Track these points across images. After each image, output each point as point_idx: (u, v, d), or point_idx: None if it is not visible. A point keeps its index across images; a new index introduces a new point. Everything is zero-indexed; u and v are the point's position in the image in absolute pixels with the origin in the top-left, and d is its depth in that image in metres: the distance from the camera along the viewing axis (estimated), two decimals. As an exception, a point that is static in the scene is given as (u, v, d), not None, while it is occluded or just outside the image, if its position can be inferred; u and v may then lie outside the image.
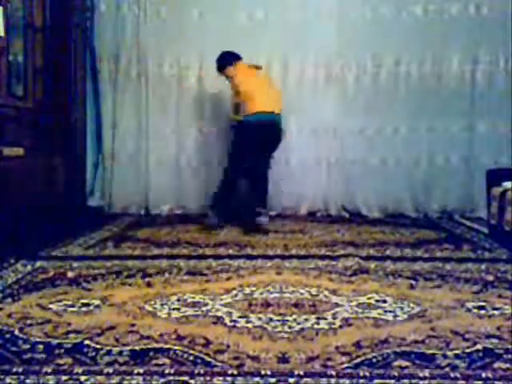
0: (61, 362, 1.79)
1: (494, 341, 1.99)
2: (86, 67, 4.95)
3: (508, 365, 1.78)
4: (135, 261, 3.19)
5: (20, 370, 1.74)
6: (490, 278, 2.87)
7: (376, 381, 1.67)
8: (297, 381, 1.67)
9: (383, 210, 5.08)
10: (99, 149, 5.21)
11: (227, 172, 4.34)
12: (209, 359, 1.81)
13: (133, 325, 2.13)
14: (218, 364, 1.78)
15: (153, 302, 2.41)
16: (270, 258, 3.30)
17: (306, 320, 2.20)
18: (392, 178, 5.06)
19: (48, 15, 4.40)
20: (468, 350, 1.90)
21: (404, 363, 1.79)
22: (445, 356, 1.85)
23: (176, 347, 1.91)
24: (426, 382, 1.67)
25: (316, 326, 2.13)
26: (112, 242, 3.75)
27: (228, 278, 2.83)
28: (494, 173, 4.20)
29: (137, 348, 1.90)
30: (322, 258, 3.31)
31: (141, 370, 1.73)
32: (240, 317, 2.23)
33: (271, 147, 4.41)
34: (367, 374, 1.71)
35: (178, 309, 2.33)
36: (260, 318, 2.21)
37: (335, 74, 5.03)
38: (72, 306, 2.37)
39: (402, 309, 2.35)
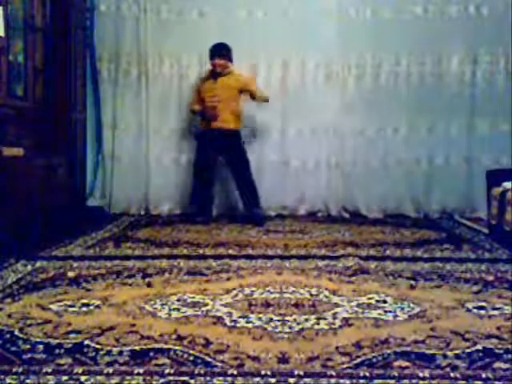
0: (61, 362, 1.79)
1: (494, 341, 1.99)
2: (85, 67, 4.95)
3: (508, 365, 1.78)
4: (135, 261, 3.20)
5: (20, 370, 1.73)
6: (490, 277, 2.87)
7: (376, 381, 1.67)
8: (297, 381, 1.67)
9: (383, 210, 5.08)
10: (99, 149, 5.20)
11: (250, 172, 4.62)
12: (209, 359, 1.81)
13: (133, 325, 2.13)
14: (218, 364, 1.78)
15: (153, 302, 2.41)
16: (270, 258, 3.30)
17: (306, 320, 2.20)
18: (392, 178, 5.06)
19: (48, 15, 4.41)
20: (468, 350, 1.90)
21: (404, 363, 1.79)
22: (445, 356, 1.85)
23: (176, 347, 1.91)
24: (426, 382, 1.67)
25: (316, 326, 2.13)
26: (112, 242, 3.76)
27: (228, 278, 2.83)
28: (494, 173, 4.20)
29: (137, 348, 1.90)
30: (322, 258, 3.31)
31: (141, 370, 1.73)
32: (240, 317, 2.23)
33: None
34: (367, 374, 1.71)
35: (178, 309, 2.33)
36: (260, 318, 2.21)
37: (335, 74, 5.03)
38: (72, 305, 2.37)
39: (402, 309, 2.35)
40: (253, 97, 4.54)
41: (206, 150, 4.55)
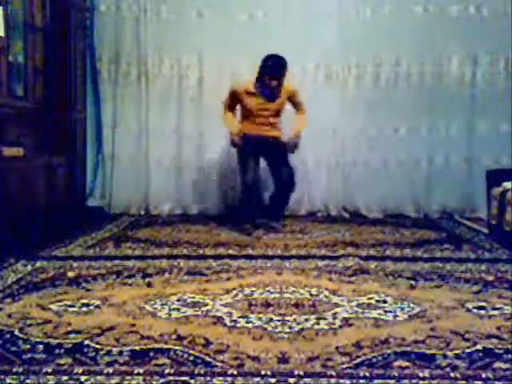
0: (61, 362, 1.79)
1: (494, 341, 1.99)
2: (85, 67, 4.95)
3: (508, 365, 1.78)
4: (135, 261, 3.20)
5: (20, 370, 1.74)
6: (490, 278, 2.87)
7: (376, 381, 1.67)
8: (297, 381, 1.67)
9: (383, 210, 5.08)
10: (99, 149, 5.20)
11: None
12: (209, 359, 1.81)
13: (133, 325, 2.13)
14: (218, 364, 1.78)
15: (153, 302, 2.41)
16: (270, 258, 3.30)
17: (306, 320, 2.20)
18: (392, 178, 5.06)
19: (48, 15, 4.40)
20: (468, 350, 1.90)
21: (404, 363, 1.79)
22: (445, 356, 1.85)
23: (176, 347, 1.91)
24: (426, 382, 1.67)
25: (316, 326, 2.13)
26: (112, 242, 3.75)
27: (228, 278, 2.83)
28: (494, 173, 4.20)
29: (137, 348, 1.90)
30: (322, 258, 3.31)
31: (141, 370, 1.73)
32: (240, 317, 2.23)
33: None
34: (367, 374, 1.71)
35: (178, 309, 2.33)
36: (260, 318, 2.21)
37: (335, 74, 5.03)
38: (72, 306, 2.37)
39: (402, 309, 2.35)
40: (296, 108, 4.27)
41: (249, 152, 4.15)
